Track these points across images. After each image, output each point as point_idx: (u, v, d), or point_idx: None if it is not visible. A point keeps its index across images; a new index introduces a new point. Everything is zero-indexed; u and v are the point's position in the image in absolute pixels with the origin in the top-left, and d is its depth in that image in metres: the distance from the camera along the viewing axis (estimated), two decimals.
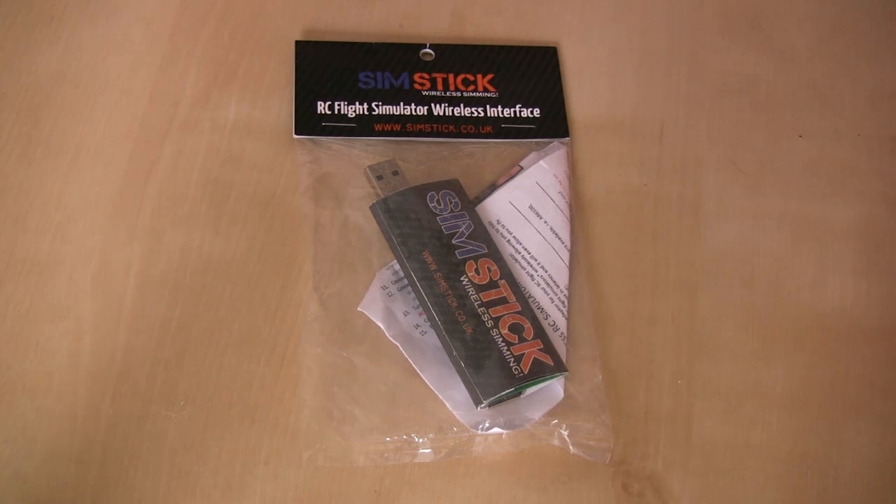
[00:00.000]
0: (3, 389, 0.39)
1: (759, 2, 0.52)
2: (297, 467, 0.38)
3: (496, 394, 0.38)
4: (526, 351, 0.39)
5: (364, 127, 0.45)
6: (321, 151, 0.44)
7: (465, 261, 0.40)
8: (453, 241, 0.41)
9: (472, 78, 0.47)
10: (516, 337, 0.39)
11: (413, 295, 0.41)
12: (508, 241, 0.42)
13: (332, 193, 0.43)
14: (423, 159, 0.45)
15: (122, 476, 0.38)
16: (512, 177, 0.44)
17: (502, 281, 0.40)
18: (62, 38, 0.47)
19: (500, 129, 0.46)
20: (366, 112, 0.45)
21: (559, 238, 0.43)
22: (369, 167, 0.44)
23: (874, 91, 0.49)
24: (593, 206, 0.45)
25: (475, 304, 0.40)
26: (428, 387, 0.39)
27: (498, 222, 0.43)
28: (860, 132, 0.48)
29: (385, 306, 0.41)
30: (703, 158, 0.47)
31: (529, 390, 0.39)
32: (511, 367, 0.38)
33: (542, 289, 0.42)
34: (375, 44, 0.47)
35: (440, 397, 0.39)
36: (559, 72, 0.48)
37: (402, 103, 0.46)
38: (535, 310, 0.41)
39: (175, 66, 0.47)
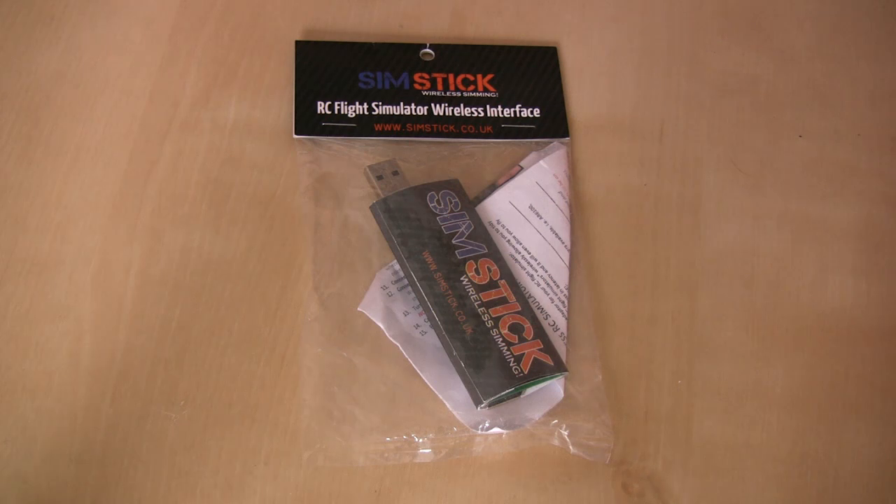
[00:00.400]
0: (3, 389, 0.39)
1: (759, 2, 0.52)
2: (297, 467, 0.38)
3: (496, 394, 0.38)
4: (526, 351, 0.39)
5: (364, 127, 0.45)
6: (321, 151, 0.44)
7: (465, 261, 0.40)
8: (453, 241, 0.41)
9: (472, 78, 0.47)
10: (516, 337, 0.39)
11: (413, 295, 0.41)
12: (508, 241, 0.42)
13: (332, 193, 0.43)
14: (423, 159, 0.45)
15: (122, 476, 0.38)
16: (512, 177, 0.44)
17: (502, 281, 0.40)
18: (62, 38, 0.47)
19: (500, 129, 0.46)
20: (366, 112, 0.45)
21: (559, 238, 0.43)
22: (369, 167, 0.44)
23: (874, 91, 0.49)
24: (593, 206, 0.45)
25: (475, 304, 0.40)
26: (428, 387, 0.39)
27: (498, 222, 0.43)
28: (860, 132, 0.48)
29: (385, 306, 0.41)
30: (703, 158, 0.47)
31: (529, 390, 0.39)
32: (511, 367, 0.38)
33: (542, 289, 0.42)
34: (375, 44, 0.47)
35: (440, 397, 0.39)
36: (559, 72, 0.48)
37: (402, 103, 0.46)
38: (535, 310, 0.41)
39: (175, 66, 0.47)
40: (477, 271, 0.40)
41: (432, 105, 0.46)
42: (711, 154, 0.47)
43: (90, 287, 0.41)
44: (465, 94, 0.46)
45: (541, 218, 0.43)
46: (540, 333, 0.39)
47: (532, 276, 0.42)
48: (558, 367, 0.39)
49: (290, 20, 0.49)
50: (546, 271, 0.42)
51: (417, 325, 0.41)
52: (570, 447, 0.39)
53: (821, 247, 0.45)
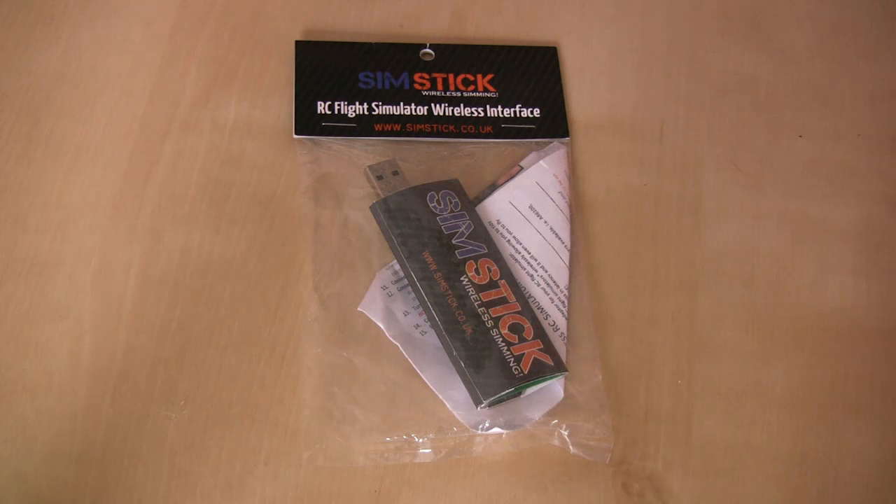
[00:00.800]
0: (3, 389, 0.39)
1: (759, 2, 0.52)
2: (297, 467, 0.38)
3: (496, 394, 0.38)
4: (526, 351, 0.39)
5: (364, 127, 0.45)
6: (321, 151, 0.44)
7: (465, 261, 0.40)
8: (453, 241, 0.41)
9: (472, 78, 0.47)
10: (516, 337, 0.39)
11: (413, 295, 0.41)
12: (508, 241, 0.42)
13: (332, 193, 0.43)
14: (423, 159, 0.45)
15: (122, 476, 0.38)
16: (512, 177, 0.44)
17: (502, 281, 0.40)
18: (62, 38, 0.47)
19: (500, 129, 0.46)
20: (366, 112, 0.45)
21: (559, 238, 0.43)
22: (369, 167, 0.44)
23: (874, 91, 0.49)
24: (593, 206, 0.45)
25: (475, 304, 0.40)
26: (428, 387, 0.39)
27: (498, 222, 0.43)
28: (860, 132, 0.48)
29: (385, 306, 0.41)
30: (703, 158, 0.47)
31: (529, 390, 0.39)
32: (511, 367, 0.38)
33: (542, 289, 0.42)
34: (375, 44, 0.47)
35: (440, 397, 0.39)
36: (559, 72, 0.48)
37: (402, 103, 0.46)
38: (535, 310, 0.41)
39: (175, 66, 0.47)
40: (477, 271, 0.40)
41: (432, 105, 0.46)
42: (711, 154, 0.47)
43: (90, 287, 0.41)
44: (465, 94, 0.46)
45: (541, 218, 0.43)
46: (540, 333, 0.39)
47: (532, 276, 0.42)
48: (558, 367, 0.39)
49: (290, 20, 0.49)
50: (546, 271, 0.42)
51: (417, 325, 0.41)
52: (570, 447, 0.39)
53: (821, 247, 0.45)
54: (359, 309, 0.41)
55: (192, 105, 0.46)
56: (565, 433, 0.39)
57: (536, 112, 0.46)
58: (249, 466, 0.38)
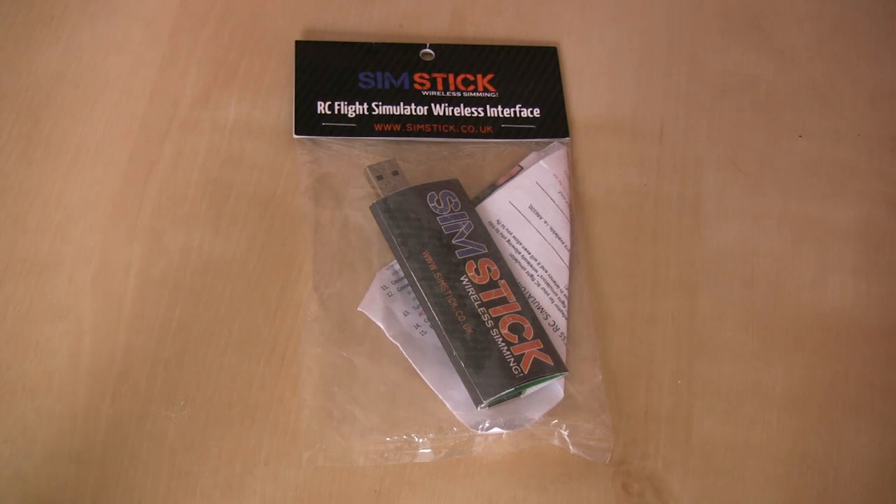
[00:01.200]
0: (3, 389, 0.39)
1: (759, 2, 0.52)
2: (297, 467, 0.38)
3: (496, 394, 0.38)
4: (526, 351, 0.39)
5: (364, 127, 0.45)
6: (321, 151, 0.44)
7: (465, 261, 0.40)
8: (453, 241, 0.41)
9: (472, 78, 0.47)
10: (516, 337, 0.39)
11: (413, 295, 0.41)
12: (508, 241, 0.42)
13: (332, 193, 0.43)
14: (423, 159, 0.45)
15: (122, 476, 0.38)
16: (512, 177, 0.44)
17: (502, 281, 0.40)
18: (62, 38, 0.47)
19: (500, 129, 0.46)
20: (366, 112, 0.45)
21: (559, 238, 0.43)
22: (369, 167, 0.44)
23: (874, 91, 0.49)
24: (593, 206, 0.45)
25: (475, 304, 0.40)
26: (428, 387, 0.39)
27: (498, 222, 0.43)
28: (860, 132, 0.48)
29: (385, 306, 0.41)
30: (703, 158, 0.47)
31: (529, 390, 0.39)
32: (511, 367, 0.38)
33: (542, 289, 0.42)
34: (375, 44, 0.47)
35: (440, 397, 0.39)
36: (559, 72, 0.48)
37: (402, 103, 0.46)
38: (535, 310, 0.41)
39: (175, 66, 0.47)
40: (477, 271, 0.40)
41: (432, 105, 0.46)
42: (711, 154, 0.47)
43: (90, 287, 0.41)
44: (465, 94, 0.46)
45: (541, 218, 0.43)
46: (540, 333, 0.39)
47: (532, 276, 0.42)
48: (558, 367, 0.39)
49: (290, 20, 0.49)
50: (546, 271, 0.42)
51: (417, 325, 0.41)
52: (570, 447, 0.39)
53: (821, 247, 0.45)
54: (359, 309, 0.41)
55: (192, 105, 0.46)
56: (565, 433, 0.39)
57: (536, 112, 0.46)
58: (249, 466, 0.38)
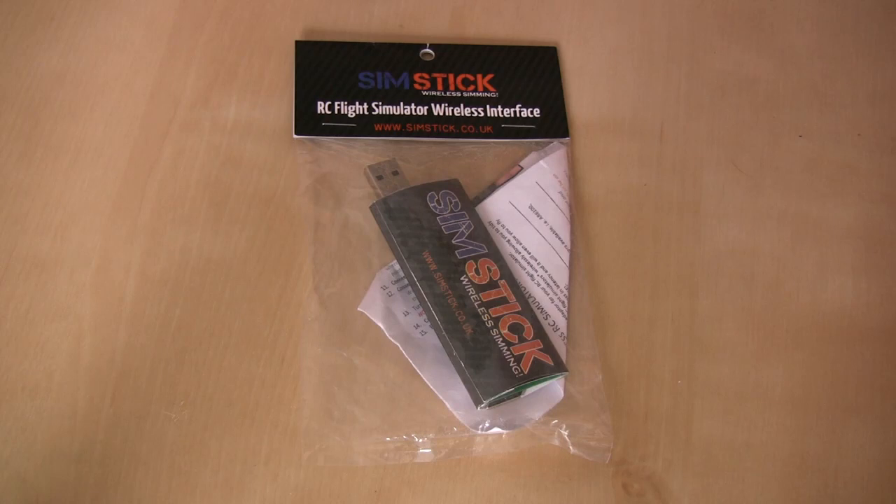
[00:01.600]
0: (3, 389, 0.39)
1: (759, 2, 0.52)
2: (297, 467, 0.38)
3: (496, 394, 0.38)
4: (526, 351, 0.39)
5: (364, 127, 0.45)
6: (321, 151, 0.44)
7: (465, 261, 0.40)
8: (453, 241, 0.41)
9: (472, 78, 0.47)
10: (516, 337, 0.39)
11: (413, 295, 0.41)
12: (508, 241, 0.42)
13: (332, 193, 0.43)
14: (423, 159, 0.45)
15: (122, 476, 0.38)
16: (512, 177, 0.44)
17: (502, 281, 0.40)
18: (62, 38, 0.47)
19: (500, 129, 0.46)
20: (366, 112, 0.45)
21: (559, 238, 0.43)
22: (369, 167, 0.44)
23: (874, 91, 0.49)
24: (593, 206, 0.45)
25: (475, 304, 0.40)
26: (428, 387, 0.39)
27: (498, 222, 0.43)
28: (860, 132, 0.48)
29: (385, 306, 0.41)
30: (703, 158, 0.47)
31: (529, 390, 0.39)
32: (511, 367, 0.38)
33: (542, 289, 0.42)
34: (375, 44, 0.47)
35: (440, 397, 0.39)
36: (559, 72, 0.48)
37: (402, 103, 0.46)
38: (535, 310, 0.41)
39: (175, 66, 0.47)
40: (477, 271, 0.40)
41: (432, 105, 0.46)
42: (711, 154, 0.47)
43: (90, 287, 0.41)
44: (465, 94, 0.46)
45: (541, 218, 0.43)
46: (540, 333, 0.39)
47: (532, 276, 0.42)
48: (558, 367, 0.39)
49: (290, 20, 0.49)
50: (546, 271, 0.42)
51: (417, 325, 0.41)
52: (570, 447, 0.39)
53: (821, 247, 0.45)
54: (359, 309, 0.41)
55: (192, 105, 0.46)
56: (565, 433, 0.39)
57: (536, 112, 0.46)
58: (249, 466, 0.38)
